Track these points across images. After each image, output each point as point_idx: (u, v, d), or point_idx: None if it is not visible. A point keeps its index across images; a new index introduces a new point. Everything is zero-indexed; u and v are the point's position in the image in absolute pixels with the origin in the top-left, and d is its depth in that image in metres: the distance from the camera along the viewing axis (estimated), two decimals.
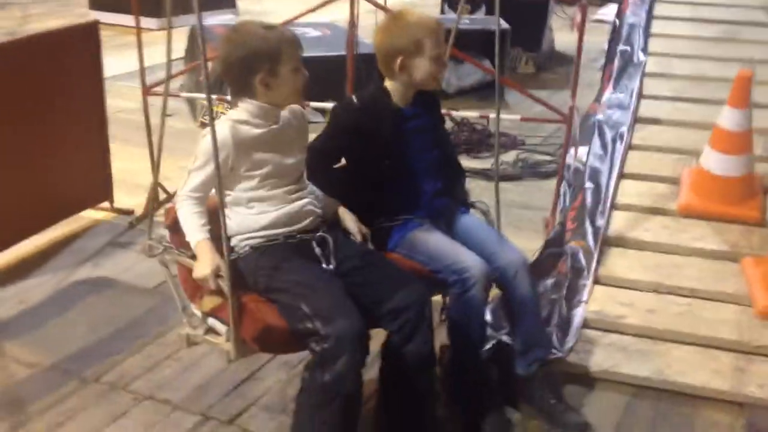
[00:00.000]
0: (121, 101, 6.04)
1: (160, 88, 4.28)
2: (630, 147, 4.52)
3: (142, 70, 4.64)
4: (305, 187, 2.78)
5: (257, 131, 2.64)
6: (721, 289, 3.61)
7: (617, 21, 5.94)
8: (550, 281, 3.71)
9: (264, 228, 2.67)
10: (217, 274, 2.50)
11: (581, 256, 3.76)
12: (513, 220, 4.69)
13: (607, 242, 3.91)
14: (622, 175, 4.32)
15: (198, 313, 2.68)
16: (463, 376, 3.00)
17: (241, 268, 2.60)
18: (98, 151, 4.56)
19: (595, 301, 3.57)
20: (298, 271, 2.61)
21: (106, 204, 4.61)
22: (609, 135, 4.54)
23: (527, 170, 5.49)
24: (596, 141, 4.52)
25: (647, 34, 5.55)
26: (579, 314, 3.48)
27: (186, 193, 2.62)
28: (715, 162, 3.97)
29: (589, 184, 4.19)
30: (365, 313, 2.51)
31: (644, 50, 5.34)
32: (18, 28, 8.84)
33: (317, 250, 2.69)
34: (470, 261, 2.82)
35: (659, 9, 5.92)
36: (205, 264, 2.51)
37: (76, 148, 4.40)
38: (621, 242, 3.92)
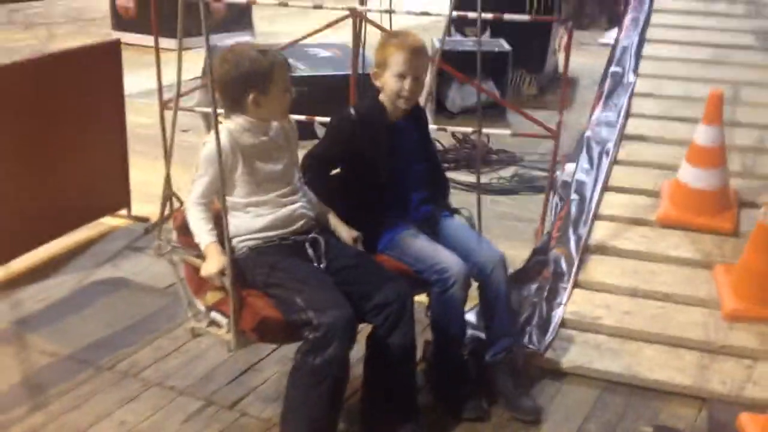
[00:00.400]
0: (140, 117, 6.35)
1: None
2: (615, 162, 4.78)
3: (160, 87, 4.96)
4: (297, 192, 3.06)
5: (249, 141, 2.93)
6: (693, 293, 3.85)
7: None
8: (534, 286, 3.97)
9: (260, 231, 2.96)
10: (222, 273, 2.78)
11: (563, 262, 4.03)
12: (506, 230, 4.97)
13: (588, 250, 4.17)
14: (606, 188, 4.57)
15: (202, 307, 2.97)
16: (443, 368, 3.27)
17: (241, 266, 2.87)
18: (118, 163, 4.88)
19: (573, 303, 3.83)
20: (292, 268, 2.89)
21: (124, 211, 4.92)
22: (596, 150, 4.81)
23: (522, 185, 5.77)
24: (584, 156, 4.79)
25: (639, 56, 5.81)
26: (558, 315, 3.75)
27: (192, 200, 2.92)
28: (690, 175, 4.23)
29: (574, 196, 4.45)
30: (353, 307, 2.80)
31: (635, 71, 5.61)
32: (44, 48, 9.21)
33: (309, 251, 2.97)
34: (450, 262, 3.10)
35: (653, 33, 6.18)
36: (213, 263, 2.80)
37: (97, 159, 4.72)
38: (602, 250, 4.18)
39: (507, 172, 6.03)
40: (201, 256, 2.88)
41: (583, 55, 9.70)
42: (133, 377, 3.42)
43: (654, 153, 4.87)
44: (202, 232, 2.90)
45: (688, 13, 6.53)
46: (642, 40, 6.03)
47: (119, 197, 4.91)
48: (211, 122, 2.81)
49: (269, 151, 2.99)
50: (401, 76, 3.10)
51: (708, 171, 4.20)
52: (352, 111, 3.21)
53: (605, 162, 4.72)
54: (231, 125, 2.94)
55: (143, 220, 4.90)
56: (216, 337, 2.97)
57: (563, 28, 9.90)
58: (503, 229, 4.94)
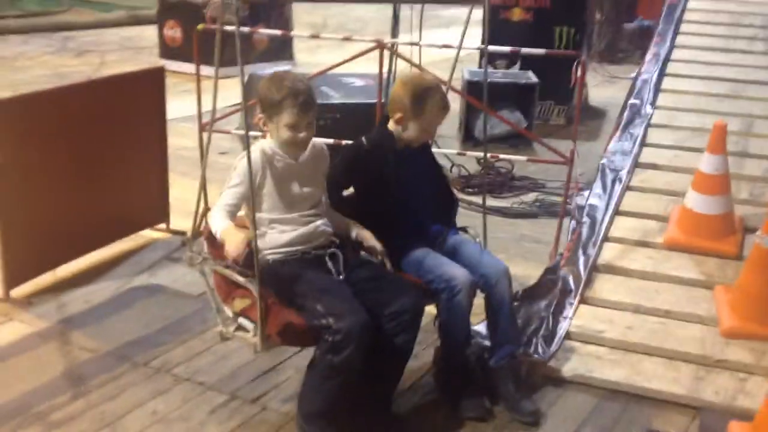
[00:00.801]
0: (183, 140, 6.70)
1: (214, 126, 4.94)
2: (628, 188, 5.01)
3: (200, 113, 5.31)
4: (321, 212, 3.33)
5: (280, 164, 3.22)
6: (693, 311, 4.06)
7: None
8: (544, 302, 4.21)
9: (283, 246, 3.24)
10: (247, 246, 2.97)
11: (571, 280, 4.26)
12: (523, 251, 5.22)
13: (597, 269, 4.40)
14: (617, 212, 4.81)
15: (230, 313, 3.26)
16: (449, 369, 3.53)
17: (266, 276, 3.11)
18: (159, 180, 5.22)
19: (579, 318, 4.06)
20: (313, 279, 3.16)
21: (163, 225, 5.26)
22: (609, 177, 5.04)
23: (543, 210, 6.01)
24: (598, 182, 5.03)
25: (657, 89, 6.05)
26: (563, 327, 3.98)
27: (219, 205, 3.17)
28: (695, 201, 4.45)
29: (585, 219, 4.70)
30: (369, 315, 3.07)
31: (652, 104, 5.84)
32: (95, 73, 9.69)
33: (329, 264, 3.26)
34: (457, 272, 3.37)
35: (673, 67, 6.42)
36: (235, 240, 2.97)
37: (140, 177, 5.06)
38: (609, 269, 4.41)
39: (529, 197, 6.27)
40: (230, 267, 3.13)
41: (614, 89, 9.97)
42: (165, 373, 3.72)
43: (665, 180, 5.09)
44: (219, 223, 3.06)
45: (709, 50, 6.76)
46: (662, 74, 6.27)
47: (159, 212, 5.25)
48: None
49: (297, 174, 3.25)
50: (427, 130, 3.46)
51: (712, 197, 4.42)
52: (364, 141, 3.46)
53: (618, 188, 4.96)
54: (265, 145, 3.23)
55: (180, 233, 5.21)
56: (243, 341, 3.27)
57: (591, 62, 10.21)
58: (521, 250, 5.20)
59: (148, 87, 5.09)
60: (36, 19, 13.78)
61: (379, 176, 3.44)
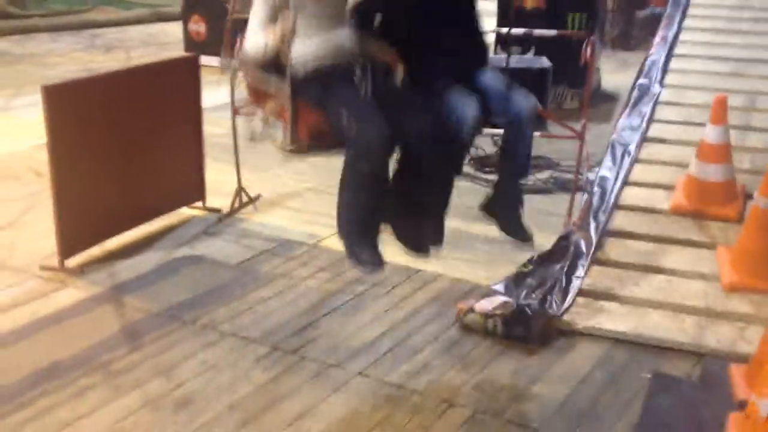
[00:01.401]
0: (215, 128, 7.06)
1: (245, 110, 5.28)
2: (636, 161, 5.32)
3: (233, 100, 5.63)
4: (344, 28, 3.51)
5: None
6: (696, 269, 4.38)
7: None
8: (558, 265, 4.54)
9: (314, 56, 3.41)
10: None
11: (582, 244, 4.58)
12: (539, 223, 5.50)
13: (607, 233, 4.72)
14: (626, 183, 5.12)
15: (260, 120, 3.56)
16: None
17: (296, 86, 3.37)
18: (195, 162, 5.57)
19: (590, 277, 4.38)
20: (340, 89, 3.38)
21: (199, 203, 5.62)
22: (619, 151, 5.35)
23: (557, 186, 6.33)
24: (608, 156, 5.34)
25: (665, 70, 6.34)
26: (575, 286, 4.30)
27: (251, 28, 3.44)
28: (699, 169, 4.76)
29: (596, 189, 5.01)
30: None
31: (660, 83, 6.14)
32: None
33: (356, 79, 3.42)
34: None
35: (680, 48, 6.70)
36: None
37: (178, 158, 5.42)
38: (619, 234, 4.72)
39: (544, 174, 6.59)
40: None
41: (627, 75, 10.21)
42: (212, 329, 4.08)
43: (672, 153, 5.39)
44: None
45: (715, 31, 7.03)
46: (669, 56, 6.56)
47: (196, 191, 5.60)
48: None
49: None
50: None
51: (714, 165, 4.73)
52: None
53: (627, 161, 5.27)
54: None
55: (216, 210, 5.58)
56: (272, 142, 3.52)
57: (603, 46, 10.47)
58: (536, 222, 5.42)
59: (185, 74, 5.44)
60: (62, 18, 14.21)
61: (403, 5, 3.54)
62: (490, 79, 3.70)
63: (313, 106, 3.44)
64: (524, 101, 3.65)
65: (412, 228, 3.67)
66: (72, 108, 4.58)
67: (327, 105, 3.39)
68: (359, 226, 3.41)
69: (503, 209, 3.79)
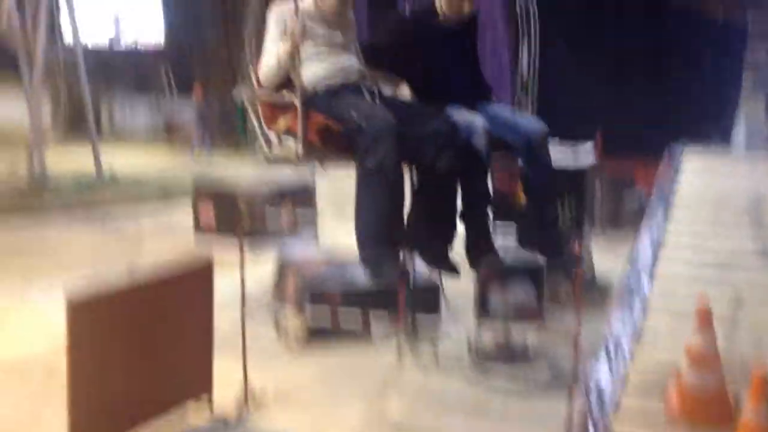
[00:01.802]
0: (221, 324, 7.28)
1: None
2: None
3: (243, 293, 5.88)
4: (353, 55, 3.89)
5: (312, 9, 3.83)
6: None
7: None
8: None
9: (324, 77, 3.81)
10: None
11: None
12: None
13: None
14: None
15: (274, 138, 3.91)
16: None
17: (308, 100, 3.72)
18: (203, 362, 5.84)
19: None
20: (350, 98, 3.75)
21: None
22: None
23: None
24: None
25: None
26: None
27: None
28: None
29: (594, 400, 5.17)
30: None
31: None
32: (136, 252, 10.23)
33: (366, 95, 3.85)
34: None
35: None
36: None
37: (186, 358, 5.72)
38: None
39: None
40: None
41: (619, 261, 10.38)
42: None
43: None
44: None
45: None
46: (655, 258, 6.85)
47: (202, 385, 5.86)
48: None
49: (327, 20, 3.86)
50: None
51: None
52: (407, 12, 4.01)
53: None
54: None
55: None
56: (286, 155, 3.91)
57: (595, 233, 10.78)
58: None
59: (197, 280, 5.74)
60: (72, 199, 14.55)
61: (414, 48, 3.91)
62: (496, 107, 4.03)
63: (323, 113, 3.75)
64: (533, 123, 3.88)
65: (432, 240, 3.79)
66: (94, 323, 4.86)
67: (337, 111, 3.70)
68: (376, 235, 3.59)
69: (540, 235, 3.99)
